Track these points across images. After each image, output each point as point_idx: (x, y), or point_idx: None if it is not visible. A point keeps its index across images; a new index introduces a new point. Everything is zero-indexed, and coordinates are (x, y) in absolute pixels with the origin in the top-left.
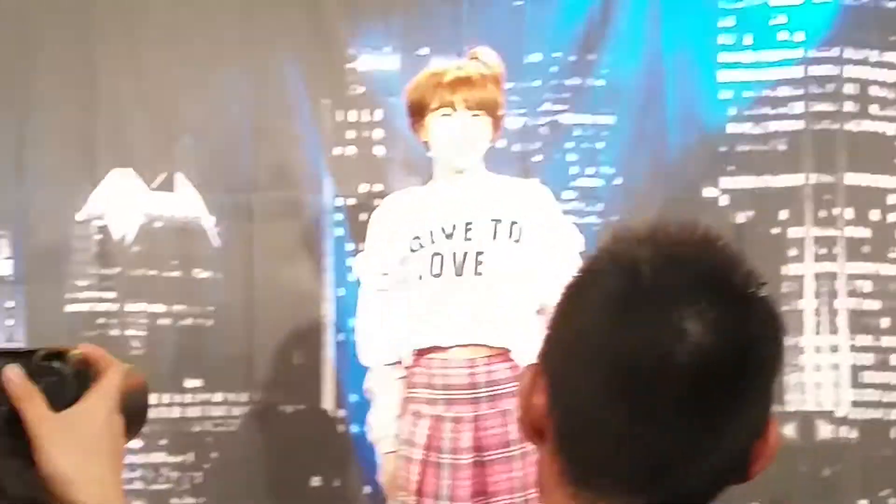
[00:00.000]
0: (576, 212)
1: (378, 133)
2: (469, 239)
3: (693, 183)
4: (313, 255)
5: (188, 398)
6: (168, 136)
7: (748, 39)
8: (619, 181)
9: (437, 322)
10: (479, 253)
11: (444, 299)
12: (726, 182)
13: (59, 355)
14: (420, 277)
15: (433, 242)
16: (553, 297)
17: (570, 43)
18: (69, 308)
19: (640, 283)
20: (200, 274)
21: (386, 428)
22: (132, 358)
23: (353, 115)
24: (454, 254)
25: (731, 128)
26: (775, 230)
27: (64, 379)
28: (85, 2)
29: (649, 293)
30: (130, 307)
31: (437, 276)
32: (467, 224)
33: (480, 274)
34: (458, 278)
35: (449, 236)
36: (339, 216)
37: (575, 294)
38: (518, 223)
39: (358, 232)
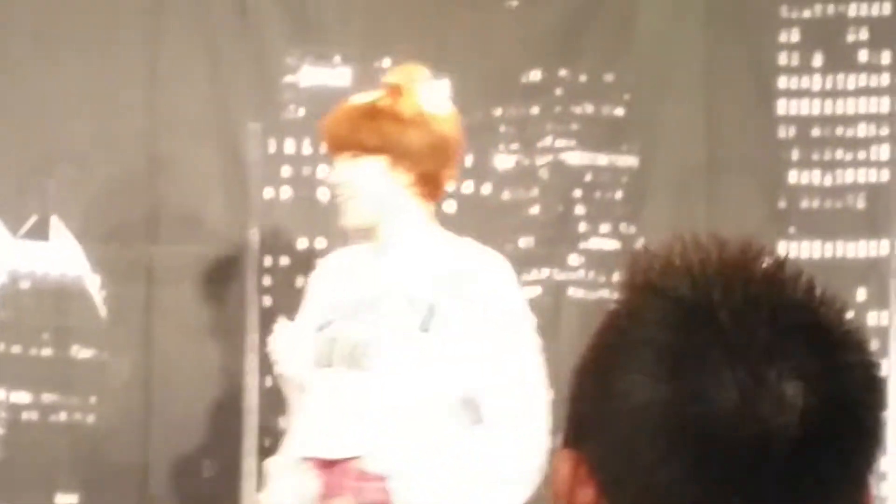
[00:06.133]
0: (583, 283)
1: (323, 170)
2: (371, 323)
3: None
4: (232, 331)
5: None
6: (39, 166)
7: (818, 59)
8: (642, 243)
9: (322, 427)
10: (372, 342)
11: (331, 398)
12: (786, 248)
13: None
14: (316, 366)
15: (331, 323)
16: (479, 390)
17: (582, 57)
18: None
19: (721, 335)
20: (80, 353)
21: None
22: None
23: (290, 146)
24: (349, 343)
25: (794, 177)
26: (850, 314)
27: None
28: None
29: (734, 348)
30: None
31: (329, 366)
32: (375, 303)
33: (369, 369)
34: (350, 371)
35: (350, 316)
36: (269, 280)
37: (615, 349)
38: (436, 306)
39: (293, 303)
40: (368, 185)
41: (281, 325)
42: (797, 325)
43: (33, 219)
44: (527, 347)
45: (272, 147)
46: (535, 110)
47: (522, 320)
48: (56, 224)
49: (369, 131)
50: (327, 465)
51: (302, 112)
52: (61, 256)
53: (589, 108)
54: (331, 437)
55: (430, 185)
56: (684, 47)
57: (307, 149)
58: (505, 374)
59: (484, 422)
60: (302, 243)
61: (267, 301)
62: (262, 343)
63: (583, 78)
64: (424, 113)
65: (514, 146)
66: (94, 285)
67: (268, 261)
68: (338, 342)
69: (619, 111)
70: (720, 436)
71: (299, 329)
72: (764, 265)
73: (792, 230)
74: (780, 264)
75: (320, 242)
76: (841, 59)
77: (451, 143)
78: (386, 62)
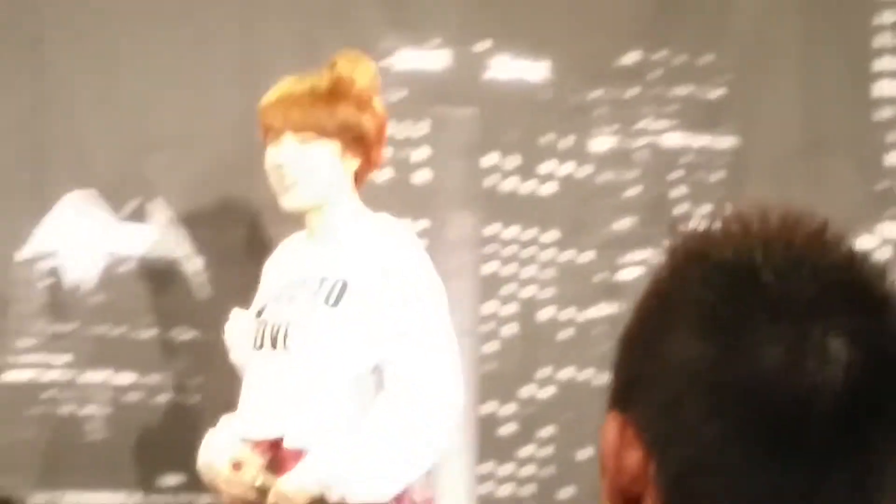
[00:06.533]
0: None
1: (422, 153)
2: (291, 303)
3: (842, 230)
4: None
5: (165, 500)
6: (142, 148)
7: None
8: None
9: (251, 408)
10: (290, 322)
11: (260, 380)
12: (887, 229)
13: None
14: (252, 349)
15: (266, 307)
16: (389, 355)
17: (680, 38)
18: (7, 376)
19: (764, 292)
20: (183, 334)
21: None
22: (89, 445)
23: (387, 129)
24: (273, 325)
25: (894, 159)
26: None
27: None
28: None
29: (778, 304)
30: (89, 377)
31: (260, 348)
32: (298, 284)
33: (287, 348)
34: (274, 351)
35: (277, 299)
36: None
37: (659, 312)
38: (345, 281)
39: None
40: (319, 169)
41: (233, 312)
42: (839, 283)
43: (135, 201)
44: (431, 314)
45: None
46: (632, 92)
47: (427, 290)
48: (157, 207)
49: (328, 114)
50: (271, 444)
51: (399, 95)
52: (163, 239)
53: (687, 90)
54: (258, 418)
55: (368, 170)
56: (782, 28)
57: (405, 132)
58: (408, 340)
59: (386, 388)
60: None
61: None
62: None
63: (681, 59)
64: (374, 98)
65: (612, 128)
66: (195, 267)
67: None
68: (266, 325)
69: (718, 92)
70: (765, 391)
71: (246, 316)
72: (805, 229)
73: (892, 212)
74: (822, 228)
75: (421, 223)
76: None
77: (386, 130)
78: (485, 44)
